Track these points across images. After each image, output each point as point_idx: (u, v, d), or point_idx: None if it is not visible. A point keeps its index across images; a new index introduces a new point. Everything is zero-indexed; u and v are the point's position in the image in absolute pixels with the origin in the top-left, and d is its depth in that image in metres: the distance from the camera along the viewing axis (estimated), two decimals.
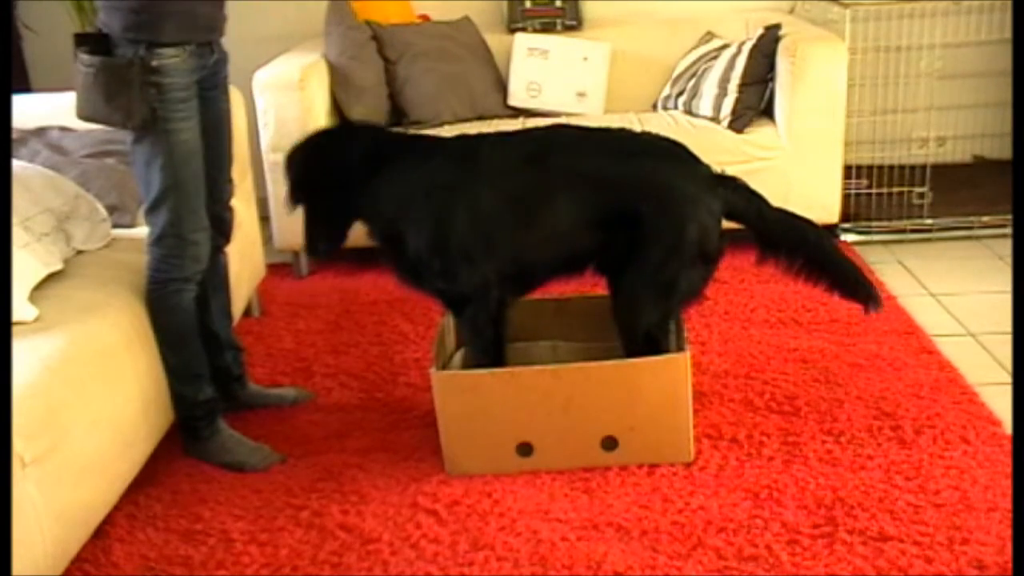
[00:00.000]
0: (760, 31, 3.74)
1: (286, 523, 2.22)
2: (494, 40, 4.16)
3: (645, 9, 4.31)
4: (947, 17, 3.93)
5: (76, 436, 1.97)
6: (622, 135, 2.51)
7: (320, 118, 3.66)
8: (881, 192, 3.87)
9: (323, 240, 2.52)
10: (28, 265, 2.24)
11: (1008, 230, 3.71)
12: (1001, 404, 2.51)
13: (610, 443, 2.32)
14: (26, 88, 4.22)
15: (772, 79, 3.70)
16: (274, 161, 3.64)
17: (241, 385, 2.73)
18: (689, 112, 3.86)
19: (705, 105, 3.75)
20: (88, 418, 2.03)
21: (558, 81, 4.06)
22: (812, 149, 3.61)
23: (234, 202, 2.62)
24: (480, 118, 3.96)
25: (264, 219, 3.50)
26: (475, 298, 2.38)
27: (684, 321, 2.50)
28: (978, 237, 3.75)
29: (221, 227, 2.53)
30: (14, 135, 2.95)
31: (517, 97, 4.09)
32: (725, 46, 3.90)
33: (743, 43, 3.77)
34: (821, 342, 2.93)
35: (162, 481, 2.39)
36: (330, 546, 2.13)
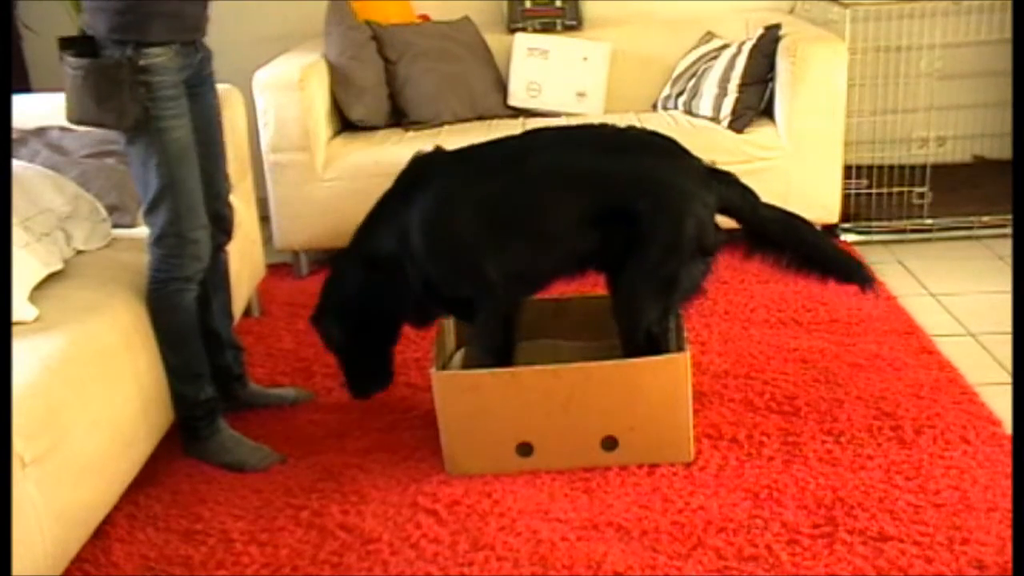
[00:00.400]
0: (760, 31, 3.74)
1: (286, 523, 2.22)
2: (494, 40, 4.16)
3: (645, 9, 4.31)
4: (947, 17, 3.93)
5: (76, 436, 1.97)
6: (606, 131, 2.50)
7: (320, 118, 3.66)
8: (881, 192, 3.87)
9: (371, 380, 2.58)
10: (28, 265, 2.24)
11: (1008, 230, 3.71)
12: (1001, 404, 2.51)
13: (610, 443, 2.32)
14: (26, 88, 4.22)
15: (772, 79, 3.70)
16: (274, 161, 3.65)
17: (242, 384, 2.73)
18: (689, 112, 3.86)
19: (705, 105, 3.75)
20: (88, 418, 2.03)
21: (558, 81, 4.06)
22: (812, 149, 3.60)
23: (234, 201, 2.62)
24: (480, 118, 3.96)
25: (264, 219, 3.50)
26: (484, 304, 2.38)
27: (684, 321, 2.51)
28: (978, 237, 3.75)
29: (221, 224, 2.53)
30: (14, 135, 2.94)
31: (517, 97, 4.09)
32: (725, 46, 3.90)
33: (743, 43, 3.77)
34: (821, 342, 2.93)
35: (162, 481, 2.39)
36: (330, 546, 2.13)
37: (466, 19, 4.17)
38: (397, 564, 2.05)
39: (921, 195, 3.85)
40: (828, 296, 3.21)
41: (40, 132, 3.06)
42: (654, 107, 4.06)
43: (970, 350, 2.88)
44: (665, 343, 2.41)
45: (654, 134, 2.49)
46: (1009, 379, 2.69)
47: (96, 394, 2.08)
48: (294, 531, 2.19)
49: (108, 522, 2.20)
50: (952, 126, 4.24)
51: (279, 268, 3.75)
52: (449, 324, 2.63)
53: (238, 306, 2.91)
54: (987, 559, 1.94)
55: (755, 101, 3.68)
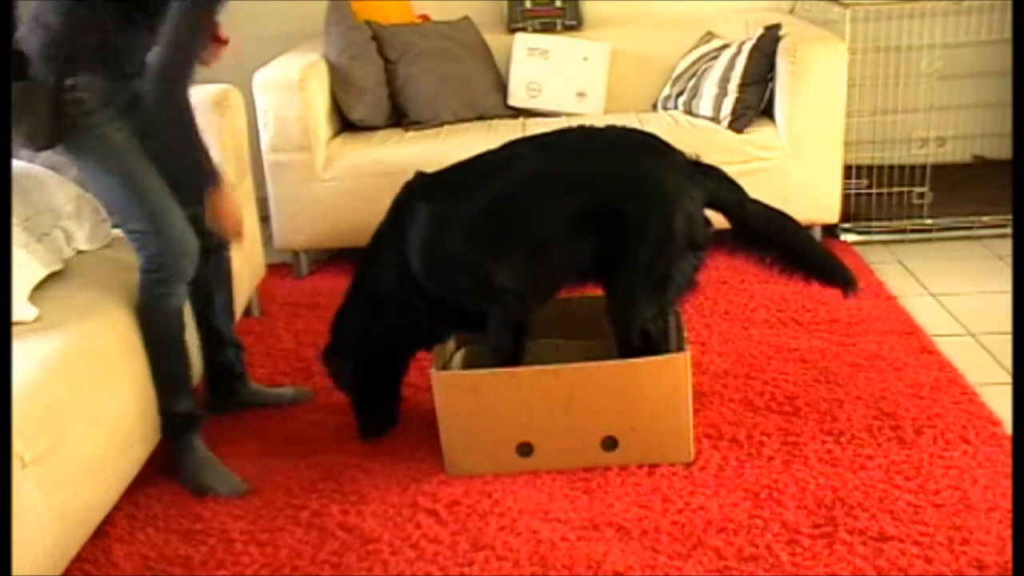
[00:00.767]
0: (760, 31, 3.74)
1: (286, 523, 2.22)
2: (494, 40, 4.16)
3: (645, 9, 4.31)
4: (947, 17, 3.93)
5: (76, 436, 1.96)
6: (586, 132, 2.48)
7: (320, 118, 3.66)
8: (881, 192, 3.87)
9: (382, 420, 2.57)
10: (28, 265, 2.24)
11: (1008, 230, 3.71)
12: (1001, 404, 2.51)
13: (610, 443, 2.32)
14: None
15: (772, 79, 3.70)
16: (274, 161, 3.65)
17: (243, 383, 2.74)
18: (689, 112, 3.86)
19: (705, 105, 3.75)
20: (88, 418, 2.02)
21: (558, 81, 4.06)
22: (812, 149, 3.60)
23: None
24: (480, 118, 3.97)
25: (264, 219, 3.50)
26: (496, 312, 2.38)
27: (684, 321, 2.50)
28: (978, 237, 3.75)
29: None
30: None
31: (517, 97, 4.09)
32: (725, 46, 3.90)
33: (743, 43, 3.77)
34: (821, 342, 2.93)
35: (162, 481, 2.39)
36: (330, 546, 2.13)
37: (466, 19, 4.17)
38: (397, 564, 2.05)
39: (921, 195, 3.85)
40: (828, 296, 3.20)
41: None
42: (654, 107, 4.06)
43: (970, 350, 2.88)
44: (662, 342, 2.41)
45: (635, 131, 2.50)
46: (1009, 379, 2.69)
47: (96, 394, 2.08)
48: (294, 531, 2.19)
49: (108, 522, 2.20)
50: (952, 126, 4.24)
51: (279, 268, 3.75)
52: None
53: (238, 306, 2.91)
54: (987, 559, 1.94)
55: (755, 101, 3.68)
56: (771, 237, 2.44)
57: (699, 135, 3.57)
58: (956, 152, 4.35)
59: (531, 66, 4.09)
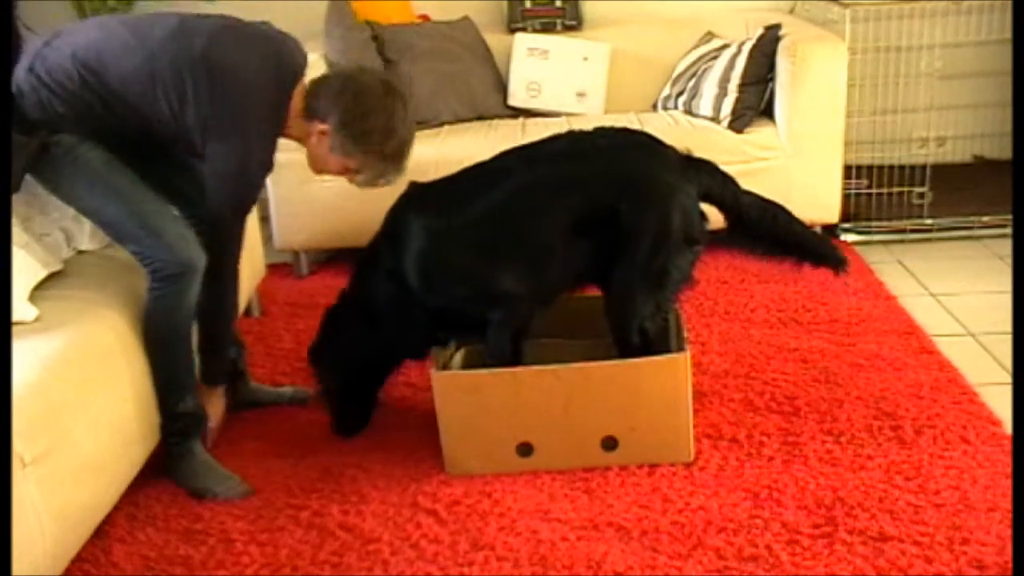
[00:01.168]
0: (760, 31, 3.74)
1: (286, 523, 2.22)
2: (494, 40, 4.16)
3: (645, 9, 4.31)
4: (947, 17, 3.93)
5: (76, 436, 1.96)
6: (577, 136, 2.47)
7: None
8: (881, 192, 3.87)
9: (358, 420, 2.58)
10: (28, 265, 2.24)
11: (1008, 230, 3.71)
12: (1001, 404, 2.51)
13: (610, 443, 2.32)
14: None
15: (772, 79, 3.70)
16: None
17: (243, 382, 2.74)
18: (689, 112, 3.86)
19: (705, 105, 3.75)
20: (88, 418, 2.02)
21: (558, 81, 4.06)
22: (812, 149, 3.61)
23: None
24: (480, 118, 3.96)
25: (264, 219, 3.50)
26: (495, 318, 2.39)
27: (684, 321, 2.51)
28: (978, 237, 3.75)
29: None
30: None
31: (517, 97, 4.09)
32: (725, 46, 3.90)
33: (743, 43, 3.77)
34: (821, 342, 2.93)
35: (162, 481, 2.39)
36: (330, 546, 2.13)
37: (466, 19, 4.17)
38: (397, 564, 2.05)
39: (921, 195, 3.85)
40: (828, 296, 3.21)
41: None
42: (654, 107, 4.06)
43: (970, 350, 2.88)
44: (660, 340, 2.41)
45: (625, 131, 2.50)
46: (1009, 379, 2.69)
47: (96, 394, 2.08)
48: (294, 531, 2.19)
49: (108, 522, 2.20)
50: (952, 126, 4.24)
51: (279, 268, 3.75)
52: None
53: (239, 306, 2.91)
54: (987, 559, 1.94)
55: (755, 101, 3.68)
56: (765, 228, 2.45)
57: (699, 135, 3.57)
58: (956, 152, 4.35)
59: (531, 66, 4.08)
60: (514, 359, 2.42)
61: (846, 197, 3.76)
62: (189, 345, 2.37)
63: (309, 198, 3.64)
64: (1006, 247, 3.64)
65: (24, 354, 1.95)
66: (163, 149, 2.35)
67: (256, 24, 2.39)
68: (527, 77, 4.08)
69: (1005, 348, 2.86)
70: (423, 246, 2.35)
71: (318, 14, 3.92)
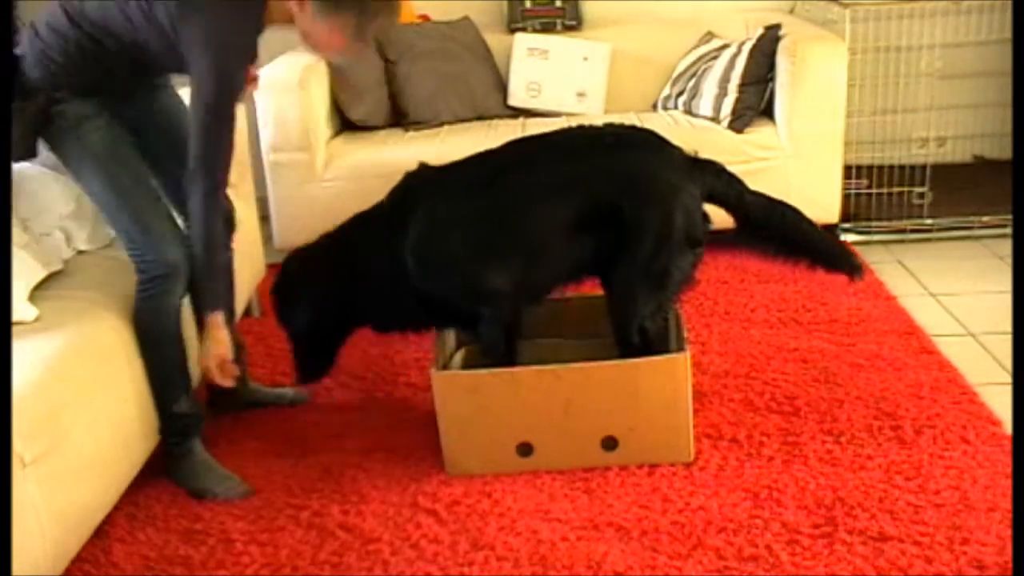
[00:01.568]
0: (760, 31, 3.74)
1: (286, 523, 2.22)
2: (494, 40, 4.16)
3: (645, 9, 4.31)
4: (947, 17, 3.93)
5: (76, 436, 1.97)
6: (586, 132, 2.48)
7: (320, 118, 3.66)
8: (881, 192, 3.87)
9: (318, 367, 2.58)
10: (28, 265, 2.24)
11: (1008, 230, 3.71)
12: (1001, 404, 2.51)
13: (610, 443, 2.32)
14: None
15: (772, 79, 3.70)
16: (274, 161, 3.65)
17: (243, 383, 2.73)
18: (689, 112, 3.86)
19: (705, 105, 3.75)
20: (88, 418, 2.03)
21: (558, 81, 4.06)
22: (812, 149, 3.60)
23: (234, 200, 2.60)
24: (480, 118, 3.96)
25: (264, 219, 3.50)
26: (487, 313, 2.39)
27: (684, 321, 2.50)
28: (978, 237, 3.75)
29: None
30: None
31: (517, 97, 4.09)
32: (725, 46, 3.90)
33: (743, 43, 3.77)
34: (821, 342, 2.93)
35: (162, 481, 2.39)
36: (330, 546, 2.13)
37: (466, 19, 4.17)
38: (397, 564, 2.05)
39: (921, 195, 3.85)
40: (828, 296, 3.21)
41: None
42: (654, 107, 4.06)
43: (970, 350, 2.88)
44: (660, 340, 2.41)
45: (633, 129, 2.50)
46: (1009, 379, 2.69)
47: (96, 394, 2.08)
48: (294, 531, 2.19)
49: (108, 522, 2.20)
50: (952, 126, 4.24)
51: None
52: None
53: (239, 305, 2.91)
54: (987, 559, 1.94)
55: (755, 101, 3.68)
56: (773, 228, 2.42)
57: (699, 135, 3.56)
58: (956, 152, 4.35)
59: (531, 66, 4.09)
60: (508, 351, 2.41)
61: (846, 197, 3.75)
62: (180, 346, 2.36)
63: (309, 198, 3.64)
64: (1006, 247, 3.64)
65: (24, 354, 1.95)
66: (158, 96, 2.37)
67: None
68: (527, 77, 4.08)
69: (1005, 348, 2.86)
70: (427, 231, 2.35)
71: None
